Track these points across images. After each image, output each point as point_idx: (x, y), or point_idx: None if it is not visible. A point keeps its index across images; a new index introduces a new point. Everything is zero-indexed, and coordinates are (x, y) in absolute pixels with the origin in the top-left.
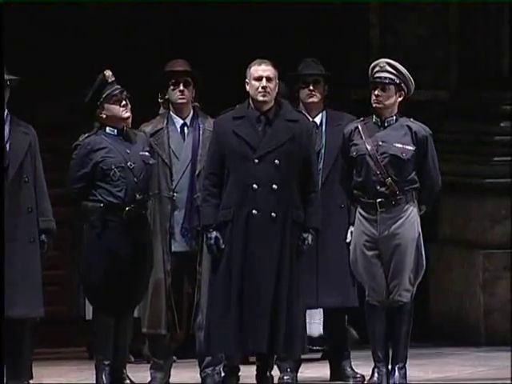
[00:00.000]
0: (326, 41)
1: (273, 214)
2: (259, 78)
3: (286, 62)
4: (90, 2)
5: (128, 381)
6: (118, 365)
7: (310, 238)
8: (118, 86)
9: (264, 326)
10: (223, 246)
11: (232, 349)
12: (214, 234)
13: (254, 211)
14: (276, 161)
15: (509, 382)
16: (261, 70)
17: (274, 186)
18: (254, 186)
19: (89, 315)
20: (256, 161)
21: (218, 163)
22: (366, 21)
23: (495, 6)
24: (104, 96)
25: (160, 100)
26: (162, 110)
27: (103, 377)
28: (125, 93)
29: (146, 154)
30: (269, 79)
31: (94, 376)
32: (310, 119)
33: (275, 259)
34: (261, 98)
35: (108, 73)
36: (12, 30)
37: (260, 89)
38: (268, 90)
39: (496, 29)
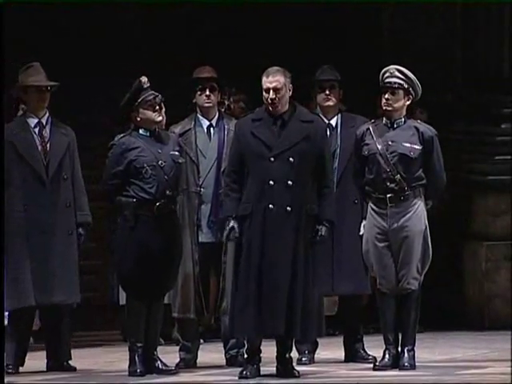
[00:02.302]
0: (336, 44)
1: (288, 208)
2: (267, 90)
3: (298, 66)
4: (91, 2)
5: (159, 362)
6: (150, 347)
7: (323, 229)
8: (153, 92)
9: (281, 311)
10: (237, 235)
11: (252, 332)
12: (232, 224)
13: (270, 206)
14: (290, 159)
15: (509, 363)
16: (268, 82)
17: (289, 182)
18: (271, 182)
19: (122, 301)
20: (272, 159)
21: (238, 162)
22: (376, 25)
23: (496, 6)
24: (139, 101)
25: None
26: None
27: (136, 358)
28: (159, 97)
29: (176, 153)
30: (276, 90)
31: (125, 357)
32: (327, 121)
33: (291, 250)
34: (270, 109)
35: (144, 79)
36: (12, 30)
37: (268, 100)
38: (275, 100)
39: (497, 32)
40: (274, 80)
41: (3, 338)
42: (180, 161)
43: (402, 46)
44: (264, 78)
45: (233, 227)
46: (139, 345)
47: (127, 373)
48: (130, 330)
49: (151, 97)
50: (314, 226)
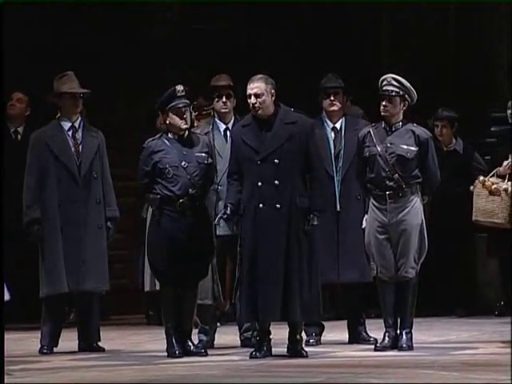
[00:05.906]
0: (340, 54)
1: (277, 205)
2: (249, 96)
3: (303, 73)
4: (92, 2)
5: (190, 344)
6: (184, 330)
7: (314, 219)
8: (184, 101)
9: (277, 298)
10: (225, 217)
11: (252, 320)
12: (224, 209)
13: (260, 205)
14: (276, 160)
15: (498, 344)
16: (249, 88)
17: (276, 182)
18: (259, 183)
19: (147, 288)
20: (259, 162)
21: (235, 165)
22: (377, 38)
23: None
24: (169, 106)
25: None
26: None
27: (173, 341)
28: (188, 106)
29: (203, 154)
30: (257, 95)
31: (150, 339)
32: (332, 125)
33: (283, 241)
34: (254, 113)
35: (179, 87)
36: (12, 29)
37: (251, 105)
38: (257, 105)
39: (490, 34)
40: (254, 87)
41: (3, 336)
42: (206, 162)
43: (399, 49)
44: (247, 86)
45: (225, 212)
46: (173, 328)
47: (165, 353)
48: (165, 316)
49: (181, 105)
50: (306, 217)
